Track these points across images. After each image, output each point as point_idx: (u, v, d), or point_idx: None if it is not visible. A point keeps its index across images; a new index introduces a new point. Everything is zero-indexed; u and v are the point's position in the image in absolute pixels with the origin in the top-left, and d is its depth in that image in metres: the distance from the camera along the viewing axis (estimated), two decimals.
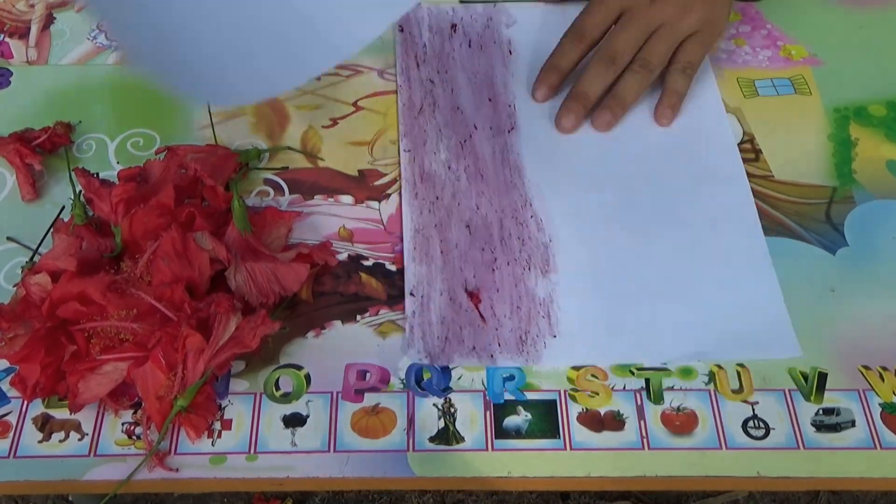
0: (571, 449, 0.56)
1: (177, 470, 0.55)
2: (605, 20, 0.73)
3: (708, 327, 0.60)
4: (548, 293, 0.62)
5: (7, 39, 0.80)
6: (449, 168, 0.68)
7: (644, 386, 0.58)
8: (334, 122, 0.73)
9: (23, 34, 0.80)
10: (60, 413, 0.57)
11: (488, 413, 0.57)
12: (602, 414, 0.57)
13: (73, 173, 0.68)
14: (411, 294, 0.62)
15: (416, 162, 0.69)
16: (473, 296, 0.61)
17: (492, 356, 0.59)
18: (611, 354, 0.59)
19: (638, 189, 0.68)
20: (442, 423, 0.57)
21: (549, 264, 0.63)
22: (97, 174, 0.65)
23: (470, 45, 0.77)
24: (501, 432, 0.56)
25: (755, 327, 0.60)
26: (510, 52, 0.77)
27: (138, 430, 0.56)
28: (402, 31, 0.79)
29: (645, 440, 0.56)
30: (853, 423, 0.57)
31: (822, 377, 0.59)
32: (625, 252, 0.64)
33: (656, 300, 0.62)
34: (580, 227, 0.65)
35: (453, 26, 0.79)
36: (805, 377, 0.59)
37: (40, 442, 0.56)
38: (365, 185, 0.69)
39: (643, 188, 0.68)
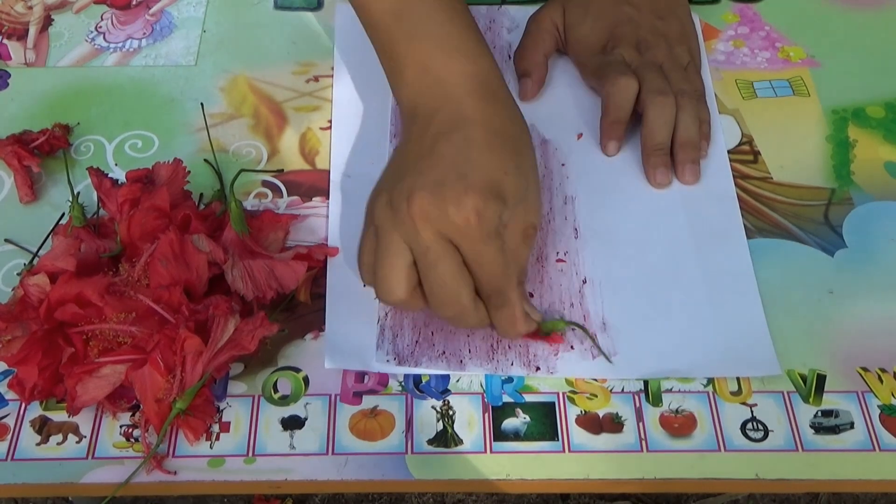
0: (570, 451, 0.56)
1: (175, 472, 0.55)
2: (632, 57, 0.71)
3: (685, 344, 0.59)
4: None
5: (5, 41, 0.79)
6: None
7: (643, 388, 0.58)
8: (332, 123, 0.73)
9: (21, 36, 0.80)
10: (58, 415, 0.57)
11: (487, 415, 0.57)
12: (601, 416, 0.57)
13: (70, 175, 0.68)
14: None
15: None
16: None
17: (461, 362, 0.59)
18: (583, 368, 0.59)
19: (621, 202, 0.67)
20: (440, 426, 0.57)
21: (525, 275, 0.63)
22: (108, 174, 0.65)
23: None
24: (500, 434, 0.56)
25: (735, 345, 0.59)
26: (509, 57, 0.76)
27: (136, 432, 0.56)
28: None
29: (644, 442, 0.56)
30: (852, 426, 0.57)
31: (821, 379, 0.58)
32: (606, 267, 0.63)
33: (635, 315, 0.61)
34: (559, 238, 0.65)
35: None
36: (804, 379, 0.59)
37: (38, 444, 0.56)
38: None
39: (626, 202, 0.67)
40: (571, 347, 0.59)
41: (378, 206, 0.56)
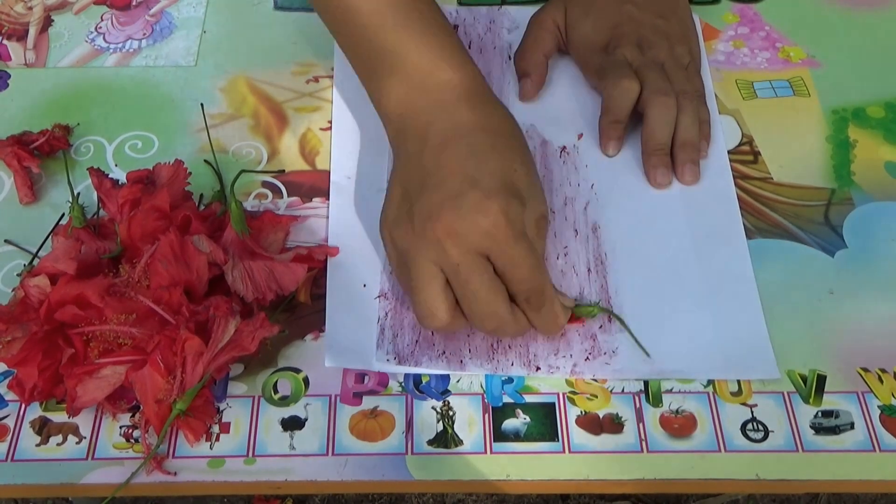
0: (570, 452, 0.56)
1: (175, 473, 0.55)
2: (634, 56, 0.71)
3: (685, 346, 0.59)
4: None
5: (5, 42, 0.79)
6: None
7: (643, 388, 0.58)
8: (332, 124, 0.73)
9: (21, 36, 0.80)
10: (58, 416, 0.57)
11: (487, 416, 0.57)
12: (601, 417, 0.57)
13: (70, 176, 0.68)
14: (385, 297, 0.61)
15: None
16: None
17: (461, 362, 0.59)
18: (583, 368, 0.59)
19: (623, 203, 0.67)
20: (440, 426, 0.57)
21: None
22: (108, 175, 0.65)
23: (469, 47, 0.77)
24: (500, 435, 0.56)
25: (734, 348, 0.59)
26: (509, 58, 0.76)
27: (136, 433, 0.56)
28: None
29: (644, 443, 0.56)
30: (852, 426, 0.57)
31: (821, 380, 0.58)
32: (607, 267, 0.63)
33: (635, 315, 0.61)
34: (559, 238, 0.65)
35: (455, 28, 0.78)
36: (804, 380, 0.58)
37: (38, 445, 0.56)
38: None
39: (628, 203, 0.67)
40: (571, 349, 0.59)
41: (399, 234, 0.56)
